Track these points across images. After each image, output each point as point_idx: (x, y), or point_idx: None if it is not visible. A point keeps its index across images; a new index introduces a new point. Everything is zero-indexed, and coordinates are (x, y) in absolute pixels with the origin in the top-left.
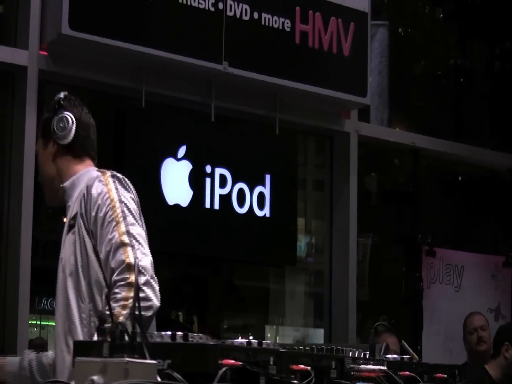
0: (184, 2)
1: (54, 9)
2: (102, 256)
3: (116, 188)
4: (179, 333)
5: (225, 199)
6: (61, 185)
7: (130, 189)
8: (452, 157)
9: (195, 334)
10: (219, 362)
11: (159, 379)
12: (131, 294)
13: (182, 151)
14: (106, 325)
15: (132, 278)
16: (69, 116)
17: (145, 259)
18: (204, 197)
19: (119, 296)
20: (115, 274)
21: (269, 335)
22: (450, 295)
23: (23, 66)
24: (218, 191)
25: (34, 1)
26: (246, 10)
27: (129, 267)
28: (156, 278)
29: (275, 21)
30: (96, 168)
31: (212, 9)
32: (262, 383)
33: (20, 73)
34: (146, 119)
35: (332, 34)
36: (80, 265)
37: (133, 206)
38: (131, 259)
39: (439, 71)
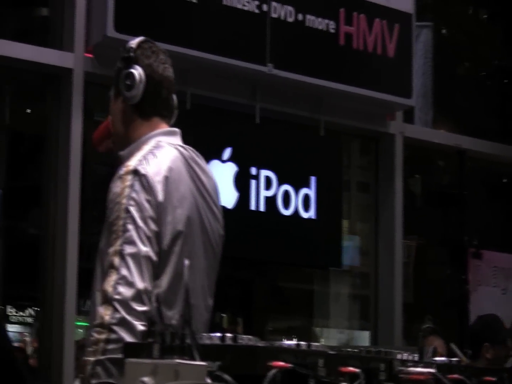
0: (229, 4)
1: (100, 12)
2: None
3: (130, 192)
4: (229, 334)
5: (271, 201)
6: (119, 153)
7: (152, 188)
8: (498, 158)
9: (244, 336)
10: (268, 364)
11: (209, 381)
12: (103, 336)
13: (227, 153)
14: (156, 327)
15: (106, 318)
16: (137, 72)
17: (127, 291)
18: (249, 199)
19: (91, 338)
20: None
21: (313, 337)
22: (497, 297)
23: (69, 69)
24: (263, 193)
25: (79, 4)
26: (290, 12)
27: (106, 300)
28: (139, 309)
29: (320, 22)
30: (162, 130)
31: (256, 11)
32: None
33: (66, 76)
34: (191, 122)
35: (376, 36)
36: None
37: (144, 214)
38: (108, 290)
39: (483, 72)
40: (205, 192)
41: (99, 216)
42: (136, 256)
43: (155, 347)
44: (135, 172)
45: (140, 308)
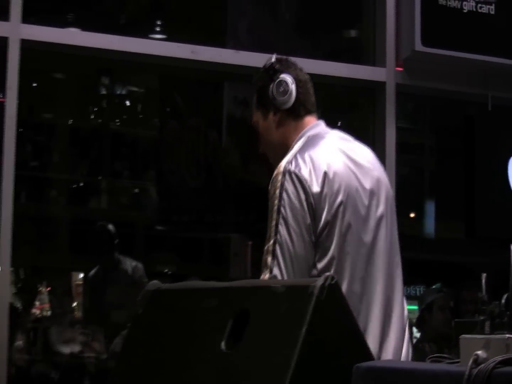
0: None
1: (407, 29)
2: None
3: (281, 193)
4: None
5: None
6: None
7: (303, 183)
8: None
9: None
10: None
11: None
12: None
13: None
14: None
15: None
16: (287, 77)
17: None
18: None
19: None
20: None
21: None
22: None
23: (382, 82)
24: None
25: (389, 23)
26: None
27: None
28: None
29: None
30: (310, 125)
31: None
32: None
33: (379, 89)
34: (493, 122)
35: None
36: None
37: (294, 212)
38: None
39: None
40: (358, 164)
41: None
42: (285, 254)
43: (486, 324)
44: (284, 173)
45: None
